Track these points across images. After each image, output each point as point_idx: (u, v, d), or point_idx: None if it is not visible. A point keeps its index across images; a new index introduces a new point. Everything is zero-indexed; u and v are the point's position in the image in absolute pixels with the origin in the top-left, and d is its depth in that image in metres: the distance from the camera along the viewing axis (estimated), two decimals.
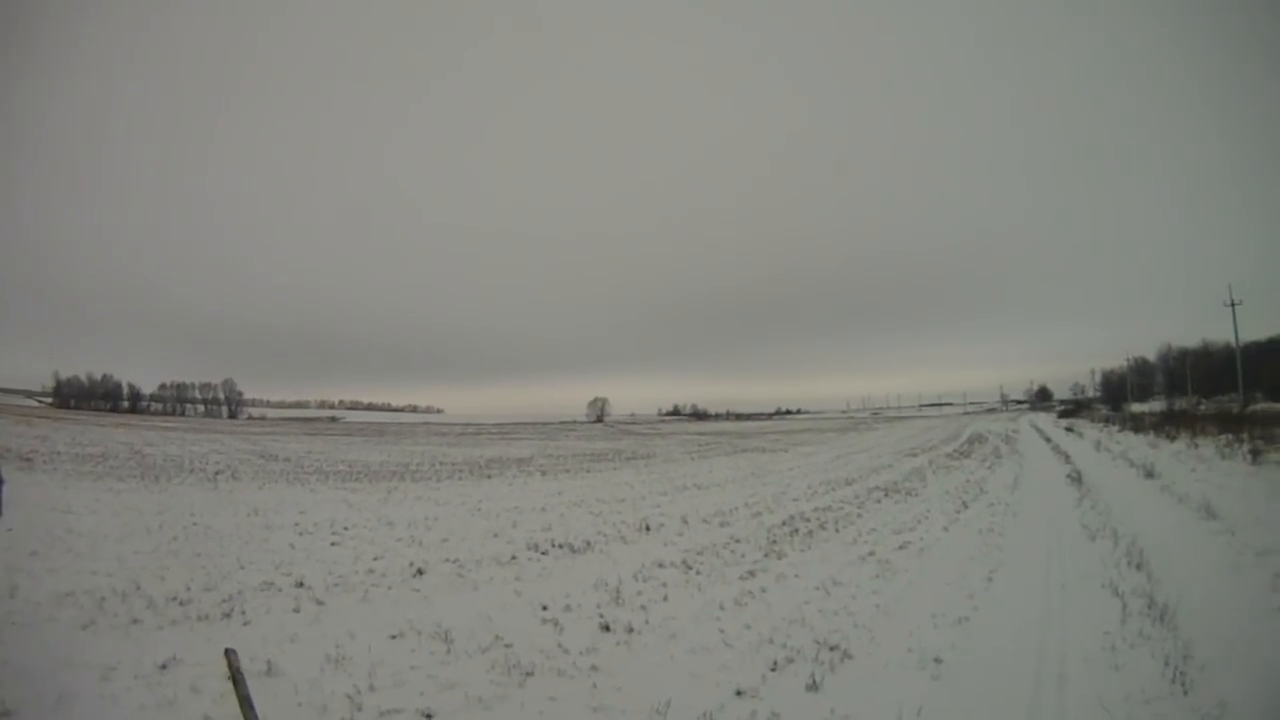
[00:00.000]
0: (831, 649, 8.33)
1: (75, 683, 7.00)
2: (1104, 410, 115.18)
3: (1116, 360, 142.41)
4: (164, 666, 7.50)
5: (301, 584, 11.47)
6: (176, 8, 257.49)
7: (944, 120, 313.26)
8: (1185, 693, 6.76)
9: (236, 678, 3.98)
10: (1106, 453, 37.54)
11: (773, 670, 7.69)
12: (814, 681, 7.27)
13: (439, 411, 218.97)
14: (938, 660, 7.87)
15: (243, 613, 9.78)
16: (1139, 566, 11.84)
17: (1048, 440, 55.21)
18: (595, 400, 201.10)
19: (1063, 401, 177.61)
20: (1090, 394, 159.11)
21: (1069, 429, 71.35)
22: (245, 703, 3.78)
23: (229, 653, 4.20)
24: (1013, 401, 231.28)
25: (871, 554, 13.81)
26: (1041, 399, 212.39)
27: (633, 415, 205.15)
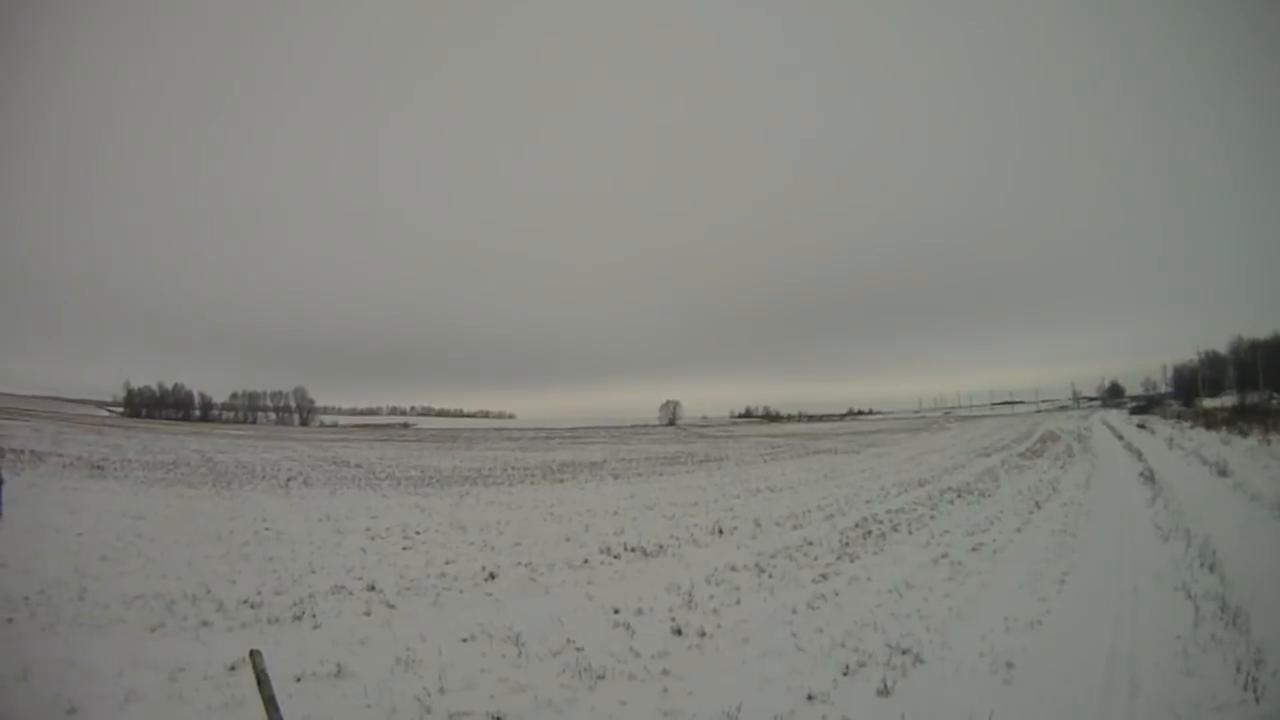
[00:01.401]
0: (903, 653, 8.23)
1: (142, 683, 7.14)
2: (1176, 406, 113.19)
3: (1188, 354, 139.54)
4: (233, 668, 7.61)
5: (373, 588, 11.60)
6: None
7: (999, 113, 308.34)
8: (1257, 700, 6.59)
9: (261, 679, 4.03)
10: (1179, 450, 36.79)
11: (844, 674, 7.62)
12: (885, 686, 7.18)
13: (511, 417, 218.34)
14: (1009, 664, 7.74)
15: (313, 616, 9.93)
16: (1211, 568, 11.56)
17: (1120, 438, 54.20)
18: (667, 403, 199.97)
19: (1134, 398, 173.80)
20: (1162, 389, 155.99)
21: (1141, 426, 70.00)
22: (270, 703, 3.84)
23: (254, 654, 4.26)
24: (1085, 399, 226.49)
25: (944, 556, 13.64)
26: (1113, 395, 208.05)
27: (705, 418, 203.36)
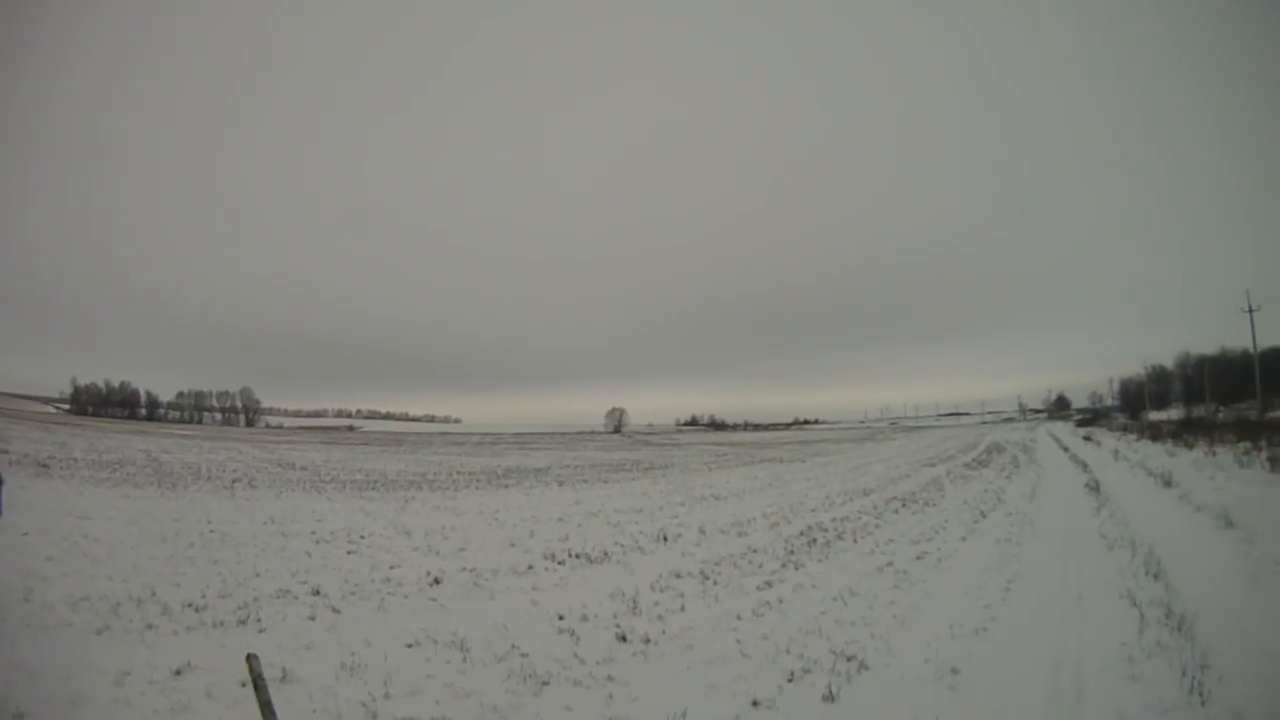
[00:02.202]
0: (848, 659, 8.29)
1: (89, 687, 7.03)
2: (1122, 419, 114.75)
3: (1134, 368, 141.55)
4: (178, 672, 7.54)
5: (318, 592, 11.50)
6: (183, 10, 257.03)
7: (954, 129, 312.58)
8: (1203, 703, 6.71)
9: (258, 683, 3.99)
10: (1124, 461, 37.37)
11: (789, 681, 7.67)
12: (830, 692, 7.24)
13: (456, 421, 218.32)
14: (955, 671, 7.82)
15: (258, 620, 9.82)
16: (1156, 576, 11.74)
17: (1065, 449, 54.93)
18: (613, 410, 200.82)
19: (1080, 410, 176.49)
20: (1108, 403, 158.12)
21: (1087, 438, 70.94)
22: (266, 707, 3.80)
23: (251, 657, 4.22)
24: (1031, 411, 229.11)
25: (889, 564, 13.77)
26: (1059, 408, 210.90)
27: (650, 425, 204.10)
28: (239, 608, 10.36)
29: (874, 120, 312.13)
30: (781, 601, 11.18)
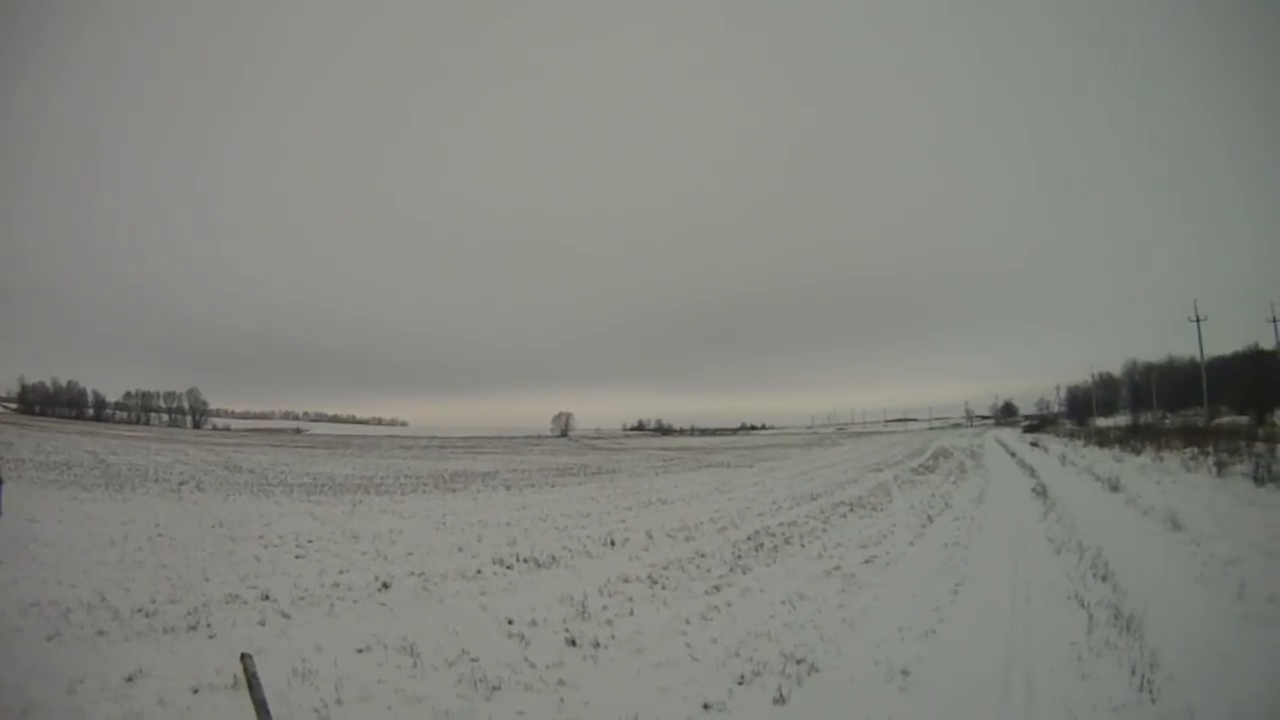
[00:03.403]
0: (798, 662, 8.30)
1: (42, 694, 6.94)
2: (1069, 425, 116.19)
3: (1082, 376, 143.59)
4: (130, 679, 7.44)
5: (267, 597, 11.40)
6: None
7: (909, 133, 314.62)
8: (1153, 700, 6.82)
9: (252, 682, 3.98)
10: (1071, 467, 37.86)
11: (740, 684, 7.68)
12: (781, 695, 7.27)
13: (403, 424, 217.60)
14: (905, 672, 7.85)
15: (208, 625, 9.72)
16: (1104, 578, 11.89)
17: (1013, 455, 55.45)
18: (560, 415, 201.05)
19: (1028, 417, 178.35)
20: (1056, 409, 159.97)
21: (1034, 444, 71.64)
22: (261, 707, 3.79)
23: (245, 657, 4.20)
24: (978, 417, 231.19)
25: (837, 569, 13.79)
26: (1007, 414, 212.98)
27: (598, 430, 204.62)
28: (189, 613, 10.24)
29: (832, 121, 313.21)
30: (730, 605, 11.18)
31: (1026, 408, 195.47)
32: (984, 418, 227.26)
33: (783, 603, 11.29)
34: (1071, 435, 77.93)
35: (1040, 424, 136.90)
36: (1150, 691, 6.99)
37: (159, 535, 16.79)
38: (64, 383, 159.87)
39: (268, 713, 3.69)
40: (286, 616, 10.36)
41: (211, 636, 9.28)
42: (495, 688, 7.54)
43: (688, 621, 10.27)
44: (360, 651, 8.76)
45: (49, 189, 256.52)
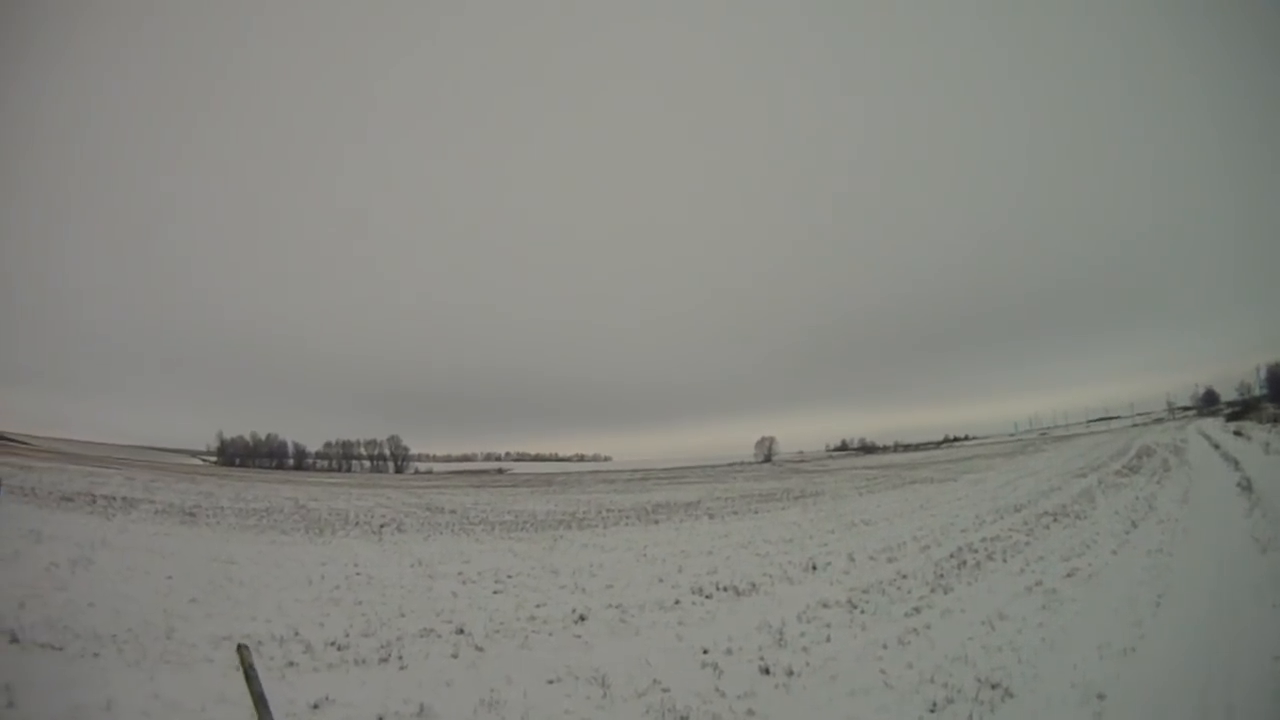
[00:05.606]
0: (993, 687, 8.12)
1: (224, 718, 7.17)
2: (1271, 409, 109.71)
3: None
4: (316, 706, 7.67)
5: (461, 631, 11.49)
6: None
7: (1098, 129, 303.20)
8: None
9: (250, 674, 3.84)
10: (1276, 455, 35.87)
11: (931, 711, 7.54)
12: None
13: (607, 459, 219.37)
14: (1100, 696, 7.63)
15: (400, 657, 9.86)
16: None
17: (1216, 447, 52.49)
18: (763, 440, 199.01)
19: (1230, 403, 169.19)
20: (1256, 391, 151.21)
21: (1237, 433, 67.58)
22: (260, 700, 3.64)
23: (242, 648, 4.07)
24: (1180, 409, 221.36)
25: (1038, 584, 13.37)
26: (1208, 402, 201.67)
27: (801, 453, 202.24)
28: (381, 646, 10.42)
29: (1014, 117, 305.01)
30: (929, 628, 10.88)
31: (1228, 394, 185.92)
32: (1185, 409, 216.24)
33: (982, 623, 10.97)
34: (1274, 420, 73.20)
35: (1243, 410, 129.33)
36: None
37: (357, 574, 17.23)
38: (263, 435, 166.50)
39: (266, 705, 3.53)
40: (480, 649, 10.40)
41: (403, 668, 9.40)
42: (684, 717, 7.46)
43: (885, 646, 10.01)
44: (551, 683, 8.74)
45: (233, 247, 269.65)
